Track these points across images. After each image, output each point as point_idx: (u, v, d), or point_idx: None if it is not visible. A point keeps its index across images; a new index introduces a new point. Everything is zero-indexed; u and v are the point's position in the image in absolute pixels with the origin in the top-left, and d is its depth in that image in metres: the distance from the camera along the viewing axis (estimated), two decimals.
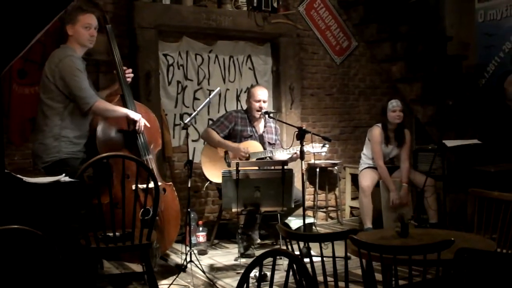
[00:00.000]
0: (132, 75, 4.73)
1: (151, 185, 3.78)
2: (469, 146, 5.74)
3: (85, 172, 3.67)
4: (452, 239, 2.63)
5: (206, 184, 5.71)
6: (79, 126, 4.32)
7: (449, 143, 5.60)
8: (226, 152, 5.49)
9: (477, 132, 6.40)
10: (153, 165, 4.57)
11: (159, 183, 4.41)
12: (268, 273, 2.44)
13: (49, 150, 4.20)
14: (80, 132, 4.33)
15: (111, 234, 3.71)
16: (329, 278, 2.98)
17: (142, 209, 4.23)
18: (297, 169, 5.16)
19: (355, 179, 6.90)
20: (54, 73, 4.22)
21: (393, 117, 5.94)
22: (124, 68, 4.67)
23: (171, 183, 4.89)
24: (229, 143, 5.48)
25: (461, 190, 5.67)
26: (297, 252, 3.01)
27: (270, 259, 2.39)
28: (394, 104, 5.96)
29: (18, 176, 3.14)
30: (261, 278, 2.55)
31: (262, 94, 5.61)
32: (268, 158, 5.51)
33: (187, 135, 5.03)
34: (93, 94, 4.30)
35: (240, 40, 6.58)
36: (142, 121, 4.50)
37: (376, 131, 6.03)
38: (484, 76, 7.43)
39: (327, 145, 5.44)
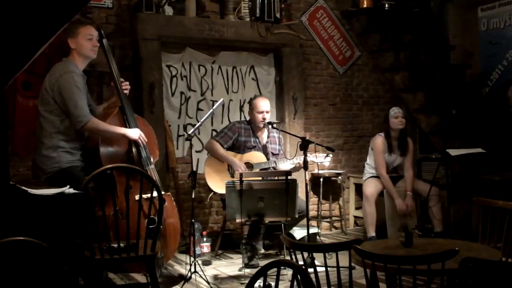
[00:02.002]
0: (129, 87, 4.74)
1: (154, 194, 3.79)
2: (473, 155, 5.74)
3: (89, 183, 3.69)
4: (457, 248, 2.64)
5: (210, 195, 5.72)
6: (75, 137, 4.37)
7: (453, 152, 5.60)
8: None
9: (481, 140, 6.39)
10: (155, 175, 4.60)
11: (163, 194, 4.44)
12: (273, 284, 2.45)
13: (49, 161, 4.25)
14: (76, 143, 4.39)
15: (115, 245, 3.72)
16: None
17: (148, 218, 4.23)
18: (301, 179, 5.17)
19: (359, 188, 6.90)
20: (53, 87, 4.28)
21: (395, 124, 5.95)
22: (121, 80, 4.69)
23: (169, 193, 4.89)
24: (230, 157, 5.49)
25: (465, 199, 5.67)
26: (301, 262, 3.02)
27: (275, 269, 2.40)
28: (396, 110, 5.99)
29: (23, 188, 3.16)
30: None
31: (265, 105, 5.63)
32: (271, 168, 5.52)
33: (191, 146, 5.05)
34: (87, 113, 4.31)
35: (243, 50, 6.61)
36: (142, 136, 4.52)
37: (378, 140, 6.04)
38: (487, 84, 7.43)
39: (330, 155, 5.45)
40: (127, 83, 4.74)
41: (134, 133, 4.50)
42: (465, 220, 5.75)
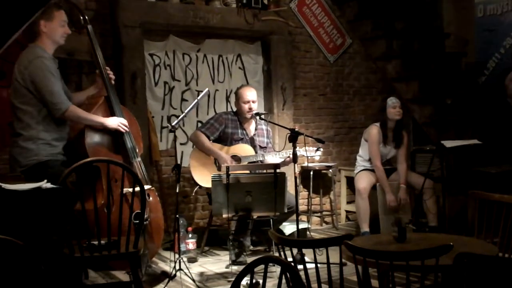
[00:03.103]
0: (113, 76, 4.71)
1: (139, 189, 3.78)
2: (469, 147, 5.76)
3: (68, 177, 3.65)
4: (451, 243, 2.64)
5: (195, 189, 5.71)
6: (57, 128, 4.30)
7: (448, 143, 5.61)
8: None
9: (477, 132, 6.41)
10: (142, 167, 4.58)
11: (148, 188, 4.43)
12: (260, 281, 2.44)
13: (27, 153, 4.17)
14: (58, 134, 4.31)
15: (96, 242, 3.69)
16: (323, 286, 2.98)
17: (135, 213, 4.21)
18: (290, 172, 5.17)
19: (350, 182, 6.91)
20: (24, 76, 4.17)
21: (393, 114, 5.96)
22: (106, 68, 4.65)
23: (153, 187, 4.87)
24: (217, 150, 5.48)
25: (461, 192, 5.69)
26: (290, 259, 3.01)
27: (262, 266, 2.39)
28: (393, 100, 6.01)
29: None
30: (253, 286, 2.55)
31: (251, 94, 5.61)
32: (259, 161, 5.51)
33: (175, 138, 5.02)
34: (65, 99, 4.24)
35: (229, 38, 6.59)
36: (121, 123, 4.50)
37: (374, 130, 6.05)
38: (484, 73, 7.45)
39: (321, 150, 5.45)
40: (111, 72, 4.71)
41: (112, 121, 4.46)
42: (460, 214, 5.76)
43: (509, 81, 6.21)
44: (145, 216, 4.33)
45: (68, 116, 4.27)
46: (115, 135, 4.56)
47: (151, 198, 4.69)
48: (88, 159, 3.75)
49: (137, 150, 4.65)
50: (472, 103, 7.01)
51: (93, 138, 4.47)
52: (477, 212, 3.81)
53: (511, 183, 5.29)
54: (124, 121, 4.55)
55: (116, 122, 4.49)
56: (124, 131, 4.52)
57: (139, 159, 4.61)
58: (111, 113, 4.57)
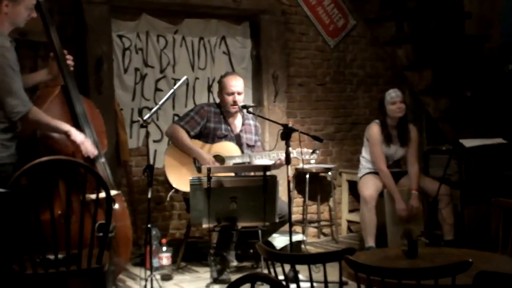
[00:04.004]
0: (72, 62, 4.65)
1: (103, 195, 3.74)
2: (492, 147, 5.77)
3: (20, 180, 3.61)
4: (470, 260, 2.63)
5: (171, 194, 5.67)
6: (10, 126, 4.24)
7: (468, 142, 5.62)
8: None
9: (502, 129, 6.42)
10: (107, 170, 4.56)
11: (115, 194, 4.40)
12: None
13: None
14: (13, 133, 4.26)
15: (52, 257, 3.66)
16: None
17: (98, 224, 4.18)
18: (282, 175, 5.15)
19: (353, 187, 6.91)
20: None
21: (393, 111, 5.95)
22: (64, 52, 4.60)
23: (119, 192, 4.85)
24: (197, 149, 5.45)
25: (482, 200, 5.69)
26: (281, 277, 2.99)
27: (248, 285, 2.39)
28: (393, 94, 5.98)
29: None
30: None
31: (236, 84, 5.59)
32: (246, 162, 5.49)
33: (147, 134, 5.00)
34: (26, 101, 4.12)
35: (212, 18, 6.58)
36: (87, 146, 4.42)
37: (374, 129, 6.04)
38: (510, 60, 7.45)
39: (317, 152, 5.44)
40: (70, 57, 4.66)
41: (79, 136, 4.38)
42: (482, 226, 5.77)
43: None
44: (111, 226, 4.30)
45: (28, 121, 4.20)
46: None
47: (117, 205, 4.66)
48: (42, 159, 3.71)
49: (101, 149, 4.60)
50: (496, 95, 7.02)
51: (50, 135, 4.42)
52: (501, 223, 3.81)
53: None
54: (94, 151, 4.47)
55: (82, 137, 4.40)
56: (86, 155, 4.44)
57: (103, 159, 4.57)
58: (68, 106, 4.51)
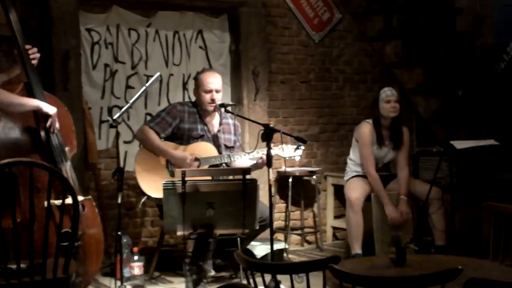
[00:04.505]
0: (38, 55, 4.63)
1: (69, 200, 3.72)
2: (484, 149, 5.81)
3: None
4: (460, 267, 2.65)
5: (143, 200, 5.66)
6: None
7: (459, 144, 5.65)
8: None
9: (494, 130, 6.47)
10: (72, 175, 4.53)
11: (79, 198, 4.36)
12: None
13: None
14: None
15: (14, 266, 3.64)
16: None
17: (63, 232, 4.16)
18: (263, 179, 5.16)
19: (339, 191, 6.92)
20: None
21: (387, 110, 5.97)
22: (28, 46, 4.57)
23: (90, 197, 4.83)
24: (170, 150, 5.45)
25: (474, 204, 5.73)
26: (262, 287, 3.00)
27: None
28: (388, 93, 6.00)
29: None
30: None
31: (214, 81, 5.59)
32: (224, 165, 5.49)
33: (118, 135, 5.01)
34: None
35: (188, 10, 6.59)
36: (55, 118, 4.44)
37: (365, 129, 6.06)
38: (503, 59, 7.51)
39: (302, 147, 5.43)
40: (35, 50, 4.64)
41: (52, 108, 4.39)
42: (473, 231, 5.82)
43: None
44: (78, 234, 4.28)
45: None
46: (33, 130, 4.49)
47: (86, 210, 4.64)
48: (4, 161, 3.69)
49: (67, 152, 4.58)
50: (489, 95, 7.07)
51: (6, 134, 4.39)
52: (493, 228, 3.84)
53: None
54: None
55: (54, 109, 4.41)
56: (51, 127, 4.44)
57: (68, 163, 4.54)
58: None
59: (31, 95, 4.49)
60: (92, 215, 4.70)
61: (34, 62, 4.58)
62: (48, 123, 4.41)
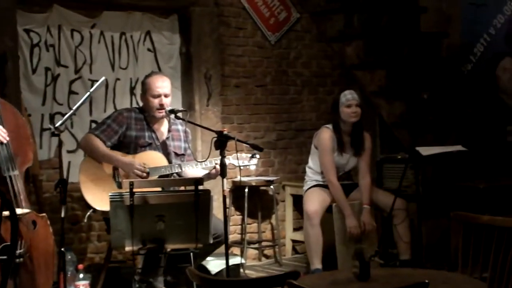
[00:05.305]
0: None
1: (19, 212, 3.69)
2: (452, 155, 5.86)
3: None
4: (427, 281, 2.66)
5: (88, 213, 5.61)
6: None
7: (425, 150, 5.69)
8: (115, 168, 5.43)
9: (462, 135, 6.53)
10: (19, 185, 4.50)
11: (27, 213, 4.32)
12: None
13: None
14: None
15: None
16: None
17: (2, 246, 4.12)
18: (217, 189, 5.15)
19: (298, 202, 6.94)
20: None
21: (347, 114, 5.99)
22: None
23: (44, 214, 4.79)
24: (118, 157, 5.40)
25: (441, 214, 5.77)
26: None
27: None
28: (348, 96, 6.02)
29: None
30: None
31: (162, 85, 5.54)
32: (175, 175, 5.46)
33: (60, 144, 4.94)
34: None
35: (135, 10, 6.58)
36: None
37: (325, 135, 6.07)
38: (470, 60, 7.60)
39: (257, 156, 5.44)
40: None
41: None
42: (441, 243, 5.86)
43: (502, 70, 6.35)
44: (20, 251, 4.23)
45: None
46: None
47: (37, 227, 4.59)
48: None
49: (18, 162, 4.54)
50: (456, 98, 7.14)
51: None
52: (461, 239, 3.87)
53: (505, 201, 5.41)
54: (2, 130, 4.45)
55: None
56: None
57: (16, 172, 4.51)
58: None
59: None
60: (44, 233, 4.65)
61: None
62: None
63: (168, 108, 5.51)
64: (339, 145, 6.07)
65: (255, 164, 5.49)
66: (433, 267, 5.12)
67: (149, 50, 6.69)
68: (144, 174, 5.33)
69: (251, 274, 6.38)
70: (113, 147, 5.47)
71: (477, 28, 7.53)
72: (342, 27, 7.39)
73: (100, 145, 5.41)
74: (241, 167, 5.44)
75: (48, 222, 4.76)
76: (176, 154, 5.63)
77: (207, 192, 4.56)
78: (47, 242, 4.67)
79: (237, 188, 6.81)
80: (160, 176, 5.40)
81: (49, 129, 5.88)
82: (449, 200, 5.97)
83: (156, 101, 5.50)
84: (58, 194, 5.09)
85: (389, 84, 7.11)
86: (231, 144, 4.98)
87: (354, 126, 6.07)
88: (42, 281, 4.63)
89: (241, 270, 6.13)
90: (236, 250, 6.79)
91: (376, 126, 7.43)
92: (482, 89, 6.79)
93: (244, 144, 5.36)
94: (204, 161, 5.44)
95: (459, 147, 5.88)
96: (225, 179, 4.92)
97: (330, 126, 6.11)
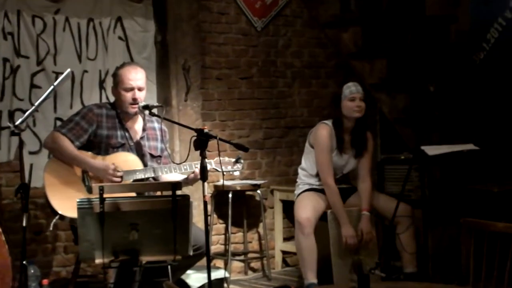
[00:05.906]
0: None
1: None
2: (461, 155, 5.87)
3: None
4: None
5: (54, 221, 5.60)
6: None
7: (431, 150, 5.71)
8: (85, 170, 5.43)
9: (473, 133, 6.55)
10: None
11: None
12: None
13: None
14: None
15: None
16: None
17: None
18: (198, 195, 5.16)
19: (289, 208, 6.93)
20: None
21: (351, 109, 5.98)
22: None
23: None
24: (88, 159, 5.40)
25: (450, 221, 5.80)
26: None
27: None
28: (352, 88, 6.02)
29: None
30: None
31: (136, 77, 5.53)
32: (150, 179, 5.47)
33: (21, 144, 4.95)
34: None
35: None
36: None
37: (323, 132, 6.06)
38: (482, 47, 7.59)
39: (242, 161, 5.45)
40: None
41: None
42: (449, 253, 5.88)
43: None
44: None
45: None
46: None
47: None
48: None
49: None
50: (466, 90, 7.16)
51: None
52: (473, 248, 3.89)
53: None
54: None
55: None
56: None
57: None
58: None
59: None
60: None
61: None
62: None
63: (142, 104, 5.50)
64: (338, 144, 6.07)
65: (239, 170, 5.49)
66: (441, 280, 5.15)
67: (120, 38, 6.70)
68: (119, 179, 5.34)
69: None
70: (81, 147, 5.47)
71: (490, 11, 7.52)
72: (338, 11, 7.41)
73: (68, 145, 5.39)
74: (224, 173, 5.45)
75: (1, 230, 4.77)
76: (152, 156, 5.62)
77: (186, 198, 4.57)
78: (1, 252, 4.68)
79: (219, 193, 6.83)
80: (135, 180, 5.41)
81: (8, 127, 5.93)
82: (458, 205, 5.99)
83: (128, 95, 5.49)
84: (19, 201, 5.12)
85: (390, 75, 7.12)
86: (212, 143, 4.97)
87: (357, 123, 6.06)
88: None
89: (225, 285, 6.15)
90: (219, 262, 6.81)
91: (376, 123, 7.45)
92: (497, 81, 6.79)
93: (228, 144, 5.40)
94: (182, 163, 5.45)
95: (470, 146, 5.89)
96: (206, 183, 4.93)
97: (329, 122, 6.10)
